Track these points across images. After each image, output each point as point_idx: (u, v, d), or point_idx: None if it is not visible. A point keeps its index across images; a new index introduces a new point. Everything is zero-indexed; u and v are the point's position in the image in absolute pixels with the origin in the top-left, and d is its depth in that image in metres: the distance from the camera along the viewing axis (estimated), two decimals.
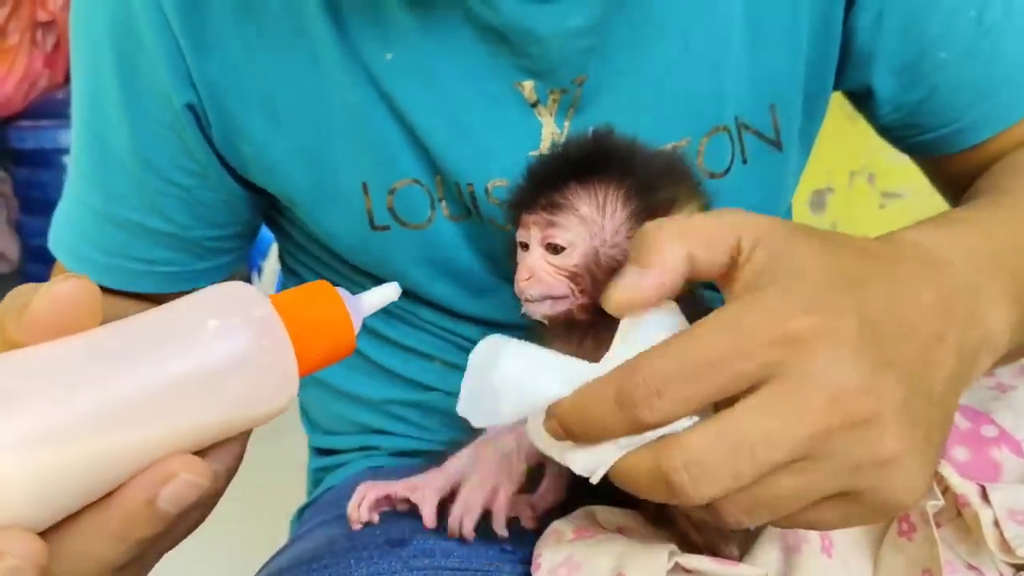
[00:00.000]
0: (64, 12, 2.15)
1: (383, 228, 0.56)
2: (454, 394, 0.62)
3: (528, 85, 0.54)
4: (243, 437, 0.34)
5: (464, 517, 0.48)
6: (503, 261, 0.57)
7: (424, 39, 0.52)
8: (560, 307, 0.46)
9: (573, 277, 0.46)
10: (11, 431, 0.28)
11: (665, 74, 0.54)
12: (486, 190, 0.55)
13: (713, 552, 0.47)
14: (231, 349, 0.31)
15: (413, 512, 0.50)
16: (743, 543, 0.49)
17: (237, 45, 0.53)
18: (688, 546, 0.48)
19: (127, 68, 0.55)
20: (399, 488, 0.51)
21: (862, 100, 0.62)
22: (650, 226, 0.37)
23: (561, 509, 0.51)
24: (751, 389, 0.34)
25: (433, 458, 0.53)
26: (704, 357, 0.33)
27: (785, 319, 0.34)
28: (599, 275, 0.46)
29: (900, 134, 0.62)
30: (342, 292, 0.35)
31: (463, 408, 0.38)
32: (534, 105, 0.54)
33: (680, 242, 0.37)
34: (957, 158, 0.61)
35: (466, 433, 0.60)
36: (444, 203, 0.56)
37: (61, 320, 0.30)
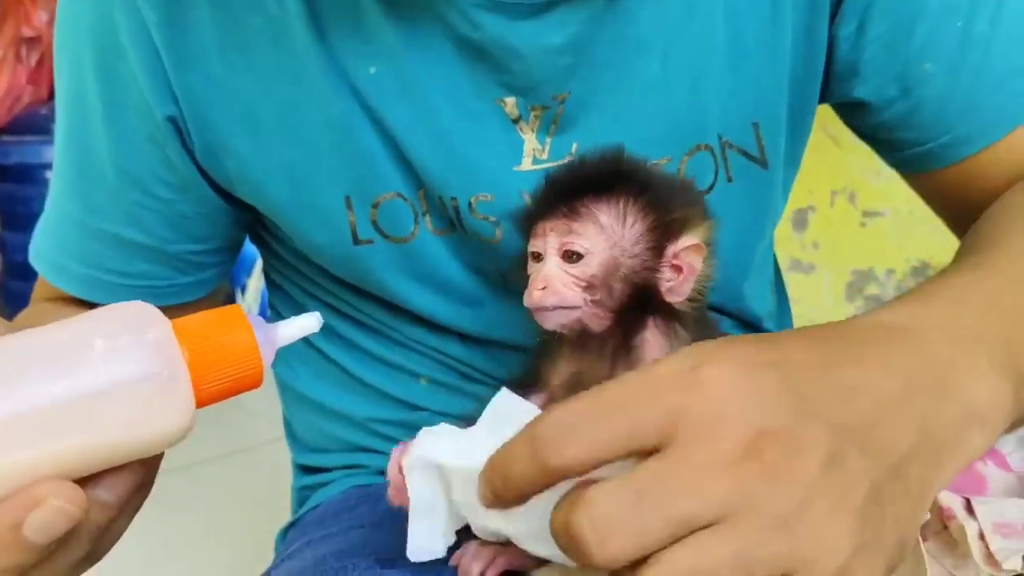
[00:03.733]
0: (49, 28, 2.14)
1: (367, 242, 0.56)
2: (441, 413, 0.62)
3: (510, 101, 0.54)
4: (142, 466, 0.31)
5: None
6: (489, 275, 0.58)
7: (407, 54, 0.52)
8: (573, 317, 0.47)
9: (589, 287, 0.46)
10: None
11: (646, 92, 0.55)
12: (469, 204, 0.55)
13: None
14: (116, 372, 0.30)
15: (403, 531, 0.50)
16: None
17: (218, 59, 0.53)
18: None
19: (109, 80, 0.55)
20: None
21: (850, 113, 0.61)
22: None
23: None
24: (663, 441, 0.31)
25: None
26: (613, 399, 0.31)
27: (697, 364, 0.32)
28: (615, 285, 0.46)
29: (887, 148, 0.62)
30: (254, 320, 0.33)
31: (412, 553, 0.37)
32: (516, 121, 0.54)
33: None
34: (945, 173, 0.60)
35: None
36: (428, 217, 0.56)
37: None
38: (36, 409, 0.29)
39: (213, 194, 0.58)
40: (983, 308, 0.41)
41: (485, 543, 0.46)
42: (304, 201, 0.56)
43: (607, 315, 0.47)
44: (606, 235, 0.46)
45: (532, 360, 0.52)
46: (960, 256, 0.51)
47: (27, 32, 2.18)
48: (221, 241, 0.62)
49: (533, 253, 0.48)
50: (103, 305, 0.59)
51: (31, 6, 2.20)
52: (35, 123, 2.16)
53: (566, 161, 0.49)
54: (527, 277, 0.48)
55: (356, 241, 0.56)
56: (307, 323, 0.35)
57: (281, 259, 0.64)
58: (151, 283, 0.60)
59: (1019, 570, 0.46)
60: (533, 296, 0.46)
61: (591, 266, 0.46)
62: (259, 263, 1.12)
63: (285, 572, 0.55)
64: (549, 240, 0.47)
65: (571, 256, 0.46)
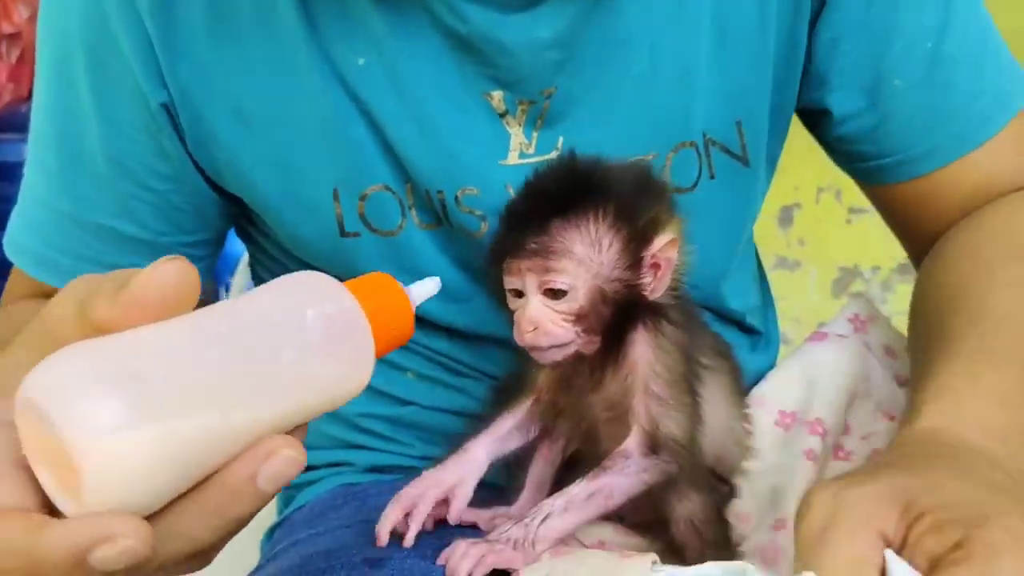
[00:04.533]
0: (29, 24, 2.11)
1: (353, 235, 0.56)
2: (429, 408, 0.62)
3: (497, 95, 0.54)
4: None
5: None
6: (475, 270, 0.58)
7: (396, 46, 0.52)
8: (568, 351, 0.47)
9: (578, 319, 0.46)
10: (131, 414, 0.28)
11: (632, 89, 0.55)
12: (456, 198, 0.55)
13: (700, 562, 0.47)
14: (328, 336, 0.33)
15: (392, 532, 0.49)
16: (724, 555, 0.50)
17: (209, 47, 0.53)
18: (674, 556, 0.49)
19: (100, 69, 0.54)
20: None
21: (814, 121, 0.62)
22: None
23: None
24: None
25: (408, 474, 0.53)
26: None
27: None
28: (603, 311, 0.46)
29: (848, 158, 0.63)
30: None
31: None
32: (503, 115, 0.54)
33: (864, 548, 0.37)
34: (902, 187, 0.61)
35: (443, 448, 0.60)
36: (414, 211, 0.56)
37: (163, 302, 0.30)
38: (270, 371, 0.32)
39: (205, 185, 0.57)
40: (1013, 393, 0.47)
41: (474, 542, 0.46)
42: (292, 193, 0.55)
43: (596, 337, 0.47)
44: (585, 267, 0.46)
45: (517, 361, 0.52)
46: (953, 325, 0.52)
47: (7, 29, 2.16)
48: (210, 233, 0.61)
49: (512, 290, 0.47)
50: None
51: (11, 2, 2.18)
52: (15, 121, 2.13)
53: (522, 189, 0.49)
54: (506, 310, 0.48)
55: (343, 234, 0.56)
56: (430, 286, 0.38)
57: (268, 255, 0.63)
58: None
59: None
60: (525, 338, 0.46)
61: (577, 300, 0.46)
62: (243, 261, 1.11)
63: (271, 572, 0.54)
64: (528, 280, 0.46)
65: (554, 293, 0.46)
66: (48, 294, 0.59)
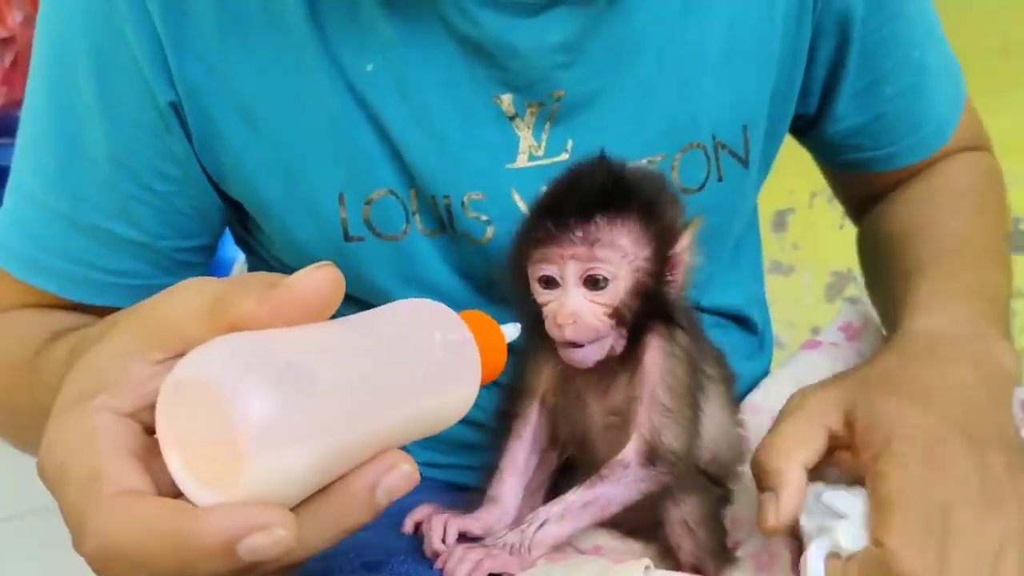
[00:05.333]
0: (24, 28, 2.10)
1: (357, 239, 0.56)
2: None
3: (506, 99, 0.54)
4: None
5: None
6: (477, 279, 0.58)
7: (404, 50, 0.53)
8: (604, 348, 0.47)
9: (614, 313, 0.46)
10: (301, 413, 0.29)
11: (641, 91, 0.55)
12: (462, 203, 0.55)
13: (697, 568, 0.48)
14: (452, 360, 0.35)
15: (388, 535, 0.49)
16: (719, 560, 0.50)
17: (218, 47, 0.52)
18: (669, 559, 0.49)
19: (106, 68, 0.53)
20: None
21: (804, 124, 0.65)
22: (763, 456, 0.47)
23: None
24: None
25: None
26: None
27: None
28: (635, 306, 0.46)
29: (834, 151, 0.67)
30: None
31: None
32: (512, 119, 0.55)
33: (793, 462, 0.46)
34: (874, 176, 0.68)
35: (444, 454, 0.60)
36: (418, 217, 0.56)
37: (315, 307, 0.31)
38: (402, 387, 0.33)
39: (210, 188, 0.57)
40: (976, 296, 0.57)
41: (471, 547, 0.46)
42: (296, 196, 0.55)
43: (624, 334, 0.47)
44: (628, 260, 0.46)
45: (518, 362, 0.52)
46: (918, 255, 0.62)
47: (1, 33, 2.15)
48: (208, 238, 0.61)
49: (543, 278, 0.47)
50: (83, 305, 0.58)
51: (5, 6, 2.17)
52: (10, 125, 2.12)
53: (565, 180, 0.49)
54: (531, 301, 0.47)
55: (347, 238, 0.56)
56: (513, 331, 0.40)
57: (266, 263, 0.63)
58: (136, 282, 0.58)
59: None
60: (565, 332, 0.45)
61: (619, 292, 0.46)
62: (236, 266, 1.11)
63: None
64: (569, 268, 0.46)
65: (594, 283, 0.46)
66: (40, 302, 0.58)
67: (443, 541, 0.48)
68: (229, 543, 0.28)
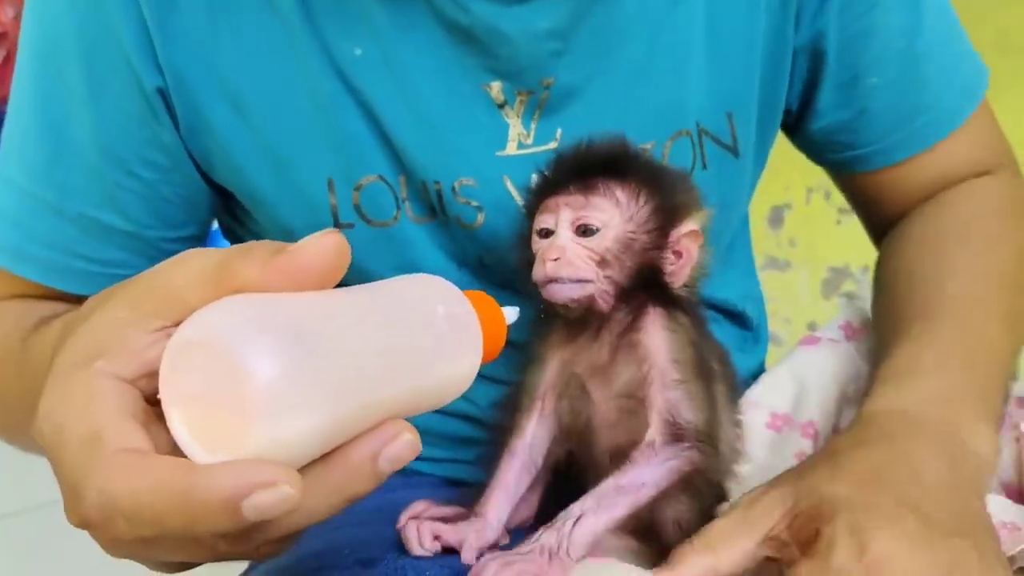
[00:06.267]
0: (16, 24, 2.09)
1: (347, 226, 0.55)
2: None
3: (496, 86, 0.54)
4: None
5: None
6: (469, 264, 0.58)
7: (394, 36, 0.52)
8: (585, 291, 0.47)
9: (602, 262, 0.46)
10: (309, 374, 0.29)
11: (631, 78, 0.55)
12: (453, 188, 0.55)
13: None
14: (454, 333, 0.35)
15: (383, 531, 0.49)
16: None
17: (205, 34, 0.52)
18: (664, 558, 0.48)
19: (92, 54, 0.53)
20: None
21: (793, 116, 0.64)
22: (680, 549, 0.44)
23: (533, 526, 0.50)
24: None
25: (403, 476, 0.52)
26: None
27: (862, 546, 0.40)
28: (626, 261, 0.47)
29: (820, 149, 0.66)
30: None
31: None
32: (501, 106, 0.55)
33: (705, 557, 0.43)
34: (873, 175, 0.65)
35: (442, 449, 0.60)
36: (408, 203, 0.56)
37: (320, 272, 0.31)
38: (406, 357, 0.33)
39: (197, 176, 0.56)
40: (959, 372, 0.51)
41: (506, 561, 0.44)
42: (285, 182, 0.55)
43: (614, 292, 0.47)
44: (621, 210, 0.47)
45: (521, 370, 0.51)
46: (906, 311, 0.58)
47: None
48: (195, 228, 0.60)
49: (541, 230, 0.48)
50: (68, 295, 0.57)
51: None
52: (1, 120, 2.12)
53: (573, 144, 0.50)
54: (530, 256, 0.48)
55: (337, 224, 0.55)
56: (512, 314, 0.40)
57: None
58: (123, 272, 0.57)
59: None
60: (547, 267, 0.46)
61: (607, 239, 0.47)
62: None
63: (264, 572, 0.54)
64: (562, 214, 0.47)
65: (585, 230, 0.47)
66: (27, 293, 0.58)
67: (422, 545, 0.48)
68: (234, 499, 0.28)
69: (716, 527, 0.44)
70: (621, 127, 0.54)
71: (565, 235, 0.47)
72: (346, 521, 0.56)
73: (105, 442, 0.30)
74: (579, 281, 0.46)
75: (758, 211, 1.57)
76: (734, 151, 0.59)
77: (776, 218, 1.68)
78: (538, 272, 0.47)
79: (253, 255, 0.31)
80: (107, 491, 0.29)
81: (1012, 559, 0.46)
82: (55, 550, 0.97)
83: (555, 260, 0.46)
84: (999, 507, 0.48)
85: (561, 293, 0.46)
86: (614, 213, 0.47)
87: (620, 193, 0.47)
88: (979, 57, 0.66)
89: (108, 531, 0.30)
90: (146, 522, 0.29)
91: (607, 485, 0.45)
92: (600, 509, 0.45)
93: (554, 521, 0.45)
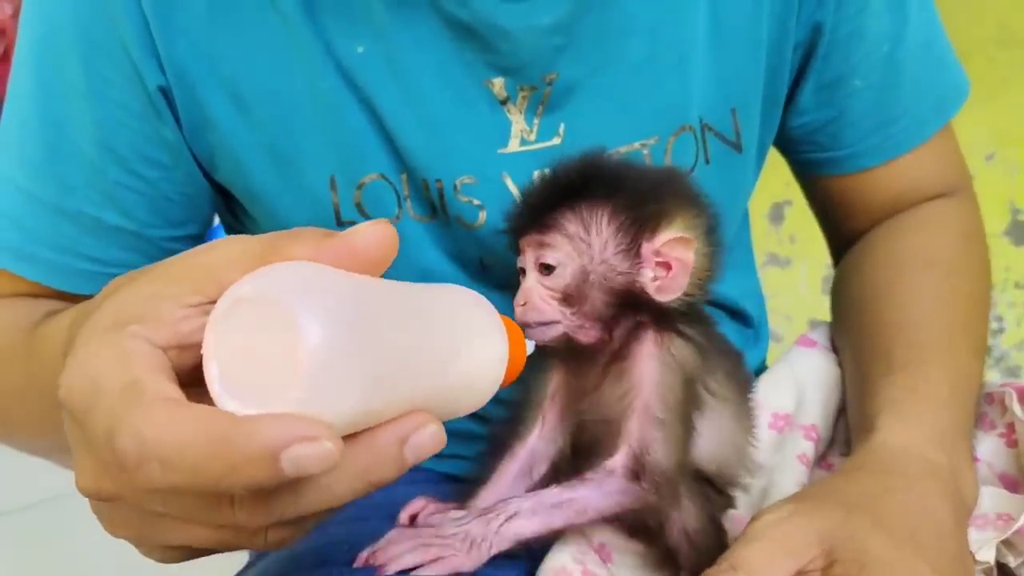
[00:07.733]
0: (13, 20, 2.09)
1: (349, 223, 0.54)
2: None
3: (498, 82, 0.54)
4: None
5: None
6: (469, 264, 0.58)
7: (396, 33, 0.52)
8: (554, 332, 0.46)
9: (565, 299, 0.46)
10: (358, 343, 0.30)
11: (634, 73, 0.55)
12: (454, 187, 0.55)
13: (695, 573, 0.47)
14: (485, 343, 0.36)
15: (384, 527, 0.49)
16: None
17: (207, 31, 0.52)
18: (669, 561, 0.48)
19: (93, 52, 0.53)
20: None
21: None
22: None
23: None
24: None
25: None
26: None
27: None
28: (592, 294, 0.46)
29: (795, 147, 0.66)
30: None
31: None
32: (504, 103, 0.54)
33: None
34: (842, 180, 0.65)
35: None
36: (409, 202, 0.56)
37: (370, 258, 0.32)
38: (440, 356, 0.34)
39: (199, 174, 0.56)
40: (949, 401, 0.53)
41: (425, 542, 0.44)
42: (287, 180, 0.55)
43: (593, 325, 0.47)
44: (573, 244, 0.46)
45: (525, 377, 0.51)
46: (882, 334, 0.58)
47: None
48: (196, 227, 0.60)
49: (520, 269, 0.48)
50: (68, 295, 0.57)
51: None
52: None
53: (539, 175, 0.49)
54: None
55: (339, 222, 0.55)
56: (530, 347, 0.41)
57: None
58: (123, 272, 0.56)
59: (991, 561, 0.46)
60: (516, 312, 0.46)
61: (564, 277, 0.46)
62: None
63: (262, 569, 0.54)
64: (527, 256, 0.47)
65: (546, 269, 0.46)
66: (31, 292, 0.57)
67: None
68: (275, 449, 0.28)
69: (755, 554, 0.43)
70: (624, 122, 0.54)
71: (532, 277, 0.47)
72: (346, 517, 0.56)
73: (145, 390, 0.30)
74: (546, 324, 0.46)
75: (758, 207, 1.57)
76: (737, 147, 0.59)
77: (776, 214, 1.67)
78: (515, 315, 0.47)
79: (303, 237, 0.32)
80: (142, 435, 0.28)
81: (1010, 545, 0.46)
82: (55, 550, 0.97)
83: (522, 305, 0.46)
84: (994, 499, 0.48)
85: (533, 336, 0.46)
86: (567, 249, 0.46)
87: (570, 226, 0.46)
88: (962, 71, 0.66)
89: (139, 477, 0.29)
90: (182, 468, 0.28)
91: (551, 494, 0.45)
92: (535, 516, 0.44)
93: (488, 510, 0.45)
